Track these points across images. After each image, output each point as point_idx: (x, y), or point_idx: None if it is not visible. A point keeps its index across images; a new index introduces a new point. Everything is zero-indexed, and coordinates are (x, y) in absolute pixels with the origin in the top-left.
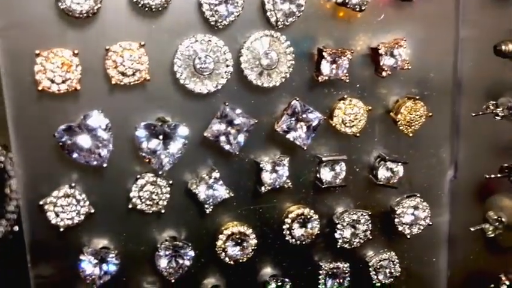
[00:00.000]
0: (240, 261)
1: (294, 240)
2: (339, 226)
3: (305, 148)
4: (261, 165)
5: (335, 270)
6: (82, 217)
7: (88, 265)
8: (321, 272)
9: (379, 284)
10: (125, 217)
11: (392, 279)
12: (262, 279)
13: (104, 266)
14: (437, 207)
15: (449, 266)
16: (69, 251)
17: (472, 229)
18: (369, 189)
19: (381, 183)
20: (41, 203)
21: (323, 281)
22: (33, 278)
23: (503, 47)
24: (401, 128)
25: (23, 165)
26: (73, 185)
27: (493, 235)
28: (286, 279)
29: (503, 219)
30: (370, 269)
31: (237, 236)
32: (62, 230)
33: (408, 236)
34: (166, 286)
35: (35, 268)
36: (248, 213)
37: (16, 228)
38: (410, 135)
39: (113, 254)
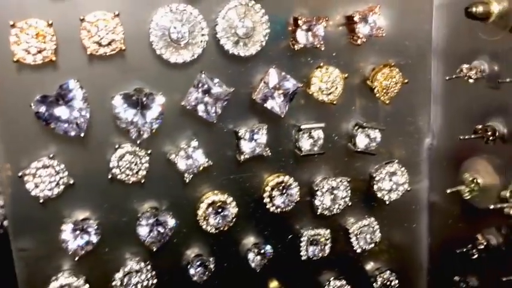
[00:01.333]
0: (222, 229)
1: (274, 208)
2: (318, 193)
3: (282, 116)
4: (239, 134)
5: (316, 237)
6: (61, 188)
7: (69, 236)
8: (302, 239)
9: None
10: (106, 188)
11: (372, 245)
12: (245, 249)
13: (86, 237)
14: (416, 174)
15: (429, 231)
16: (50, 223)
17: (448, 191)
18: (347, 157)
19: (359, 150)
20: (19, 174)
21: (305, 247)
22: (15, 250)
23: (473, 9)
24: (378, 95)
25: (1, 138)
26: (51, 155)
27: (469, 197)
28: (268, 247)
29: (478, 181)
30: (351, 235)
31: (218, 205)
32: (41, 201)
33: (387, 202)
34: (149, 257)
35: (17, 241)
36: (228, 183)
37: (6, 222)
38: (387, 102)
39: (94, 224)
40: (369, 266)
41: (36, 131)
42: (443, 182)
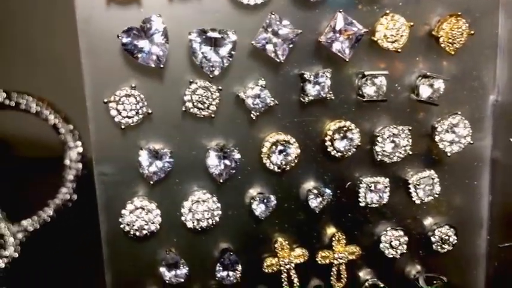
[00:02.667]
0: (284, 168)
1: (335, 152)
2: (379, 139)
3: (347, 60)
4: (304, 76)
5: (375, 185)
6: (141, 117)
7: (145, 161)
8: (361, 185)
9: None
10: (179, 122)
11: (431, 198)
12: (305, 190)
13: (159, 163)
14: (479, 130)
15: (491, 189)
16: (129, 150)
17: None
18: (409, 107)
19: (422, 99)
20: (105, 100)
21: (363, 194)
22: (97, 174)
23: None
24: (443, 45)
25: (90, 70)
26: (133, 85)
27: None
28: (328, 191)
29: None
30: (410, 186)
31: (281, 143)
32: (122, 127)
33: (449, 154)
34: (215, 190)
35: (98, 166)
36: (292, 126)
37: (75, 196)
38: (452, 53)
39: (168, 152)
40: (427, 219)
41: (119, 64)
42: (507, 140)
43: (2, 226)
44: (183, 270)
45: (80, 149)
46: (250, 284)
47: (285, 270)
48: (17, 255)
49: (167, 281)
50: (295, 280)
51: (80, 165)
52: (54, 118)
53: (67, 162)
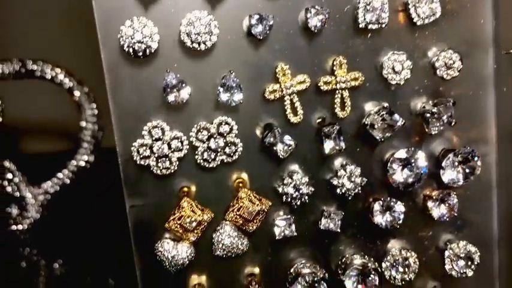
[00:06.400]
0: None
1: None
2: None
3: None
4: None
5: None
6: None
7: None
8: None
9: None
10: None
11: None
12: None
13: None
14: None
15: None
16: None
17: None
18: None
19: None
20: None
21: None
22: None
23: None
24: None
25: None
26: None
27: None
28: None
29: None
30: None
31: None
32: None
33: None
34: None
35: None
36: None
37: (92, 158)
38: None
39: None
40: None
41: None
42: None
43: (22, 188)
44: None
45: (96, 111)
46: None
47: (288, 97)
48: (38, 216)
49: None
50: (299, 108)
51: (96, 127)
52: (69, 82)
53: (83, 123)
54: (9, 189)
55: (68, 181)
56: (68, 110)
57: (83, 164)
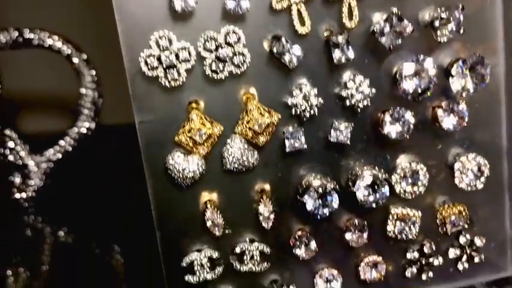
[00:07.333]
0: None
1: None
2: None
3: None
4: None
5: None
6: None
7: None
8: None
9: None
10: None
11: None
12: None
13: None
14: None
15: None
16: None
17: None
18: None
19: None
20: None
21: None
22: None
23: None
24: None
25: None
26: None
27: None
28: None
29: None
30: None
31: None
32: None
33: None
34: None
35: None
36: None
37: (93, 125)
38: None
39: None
40: None
41: None
42: None
43: (24, 156)
44: None
45: (95, 77)
46: None
47: (295, 6)
48: (42, 184)
49: None
50: (306, 18)
51: (96, 93)
52: (67, 49)
53: (82, 90)
54: (11, 157)
55: (70, 148)
56: (67, 81)
57: (84, 130)
